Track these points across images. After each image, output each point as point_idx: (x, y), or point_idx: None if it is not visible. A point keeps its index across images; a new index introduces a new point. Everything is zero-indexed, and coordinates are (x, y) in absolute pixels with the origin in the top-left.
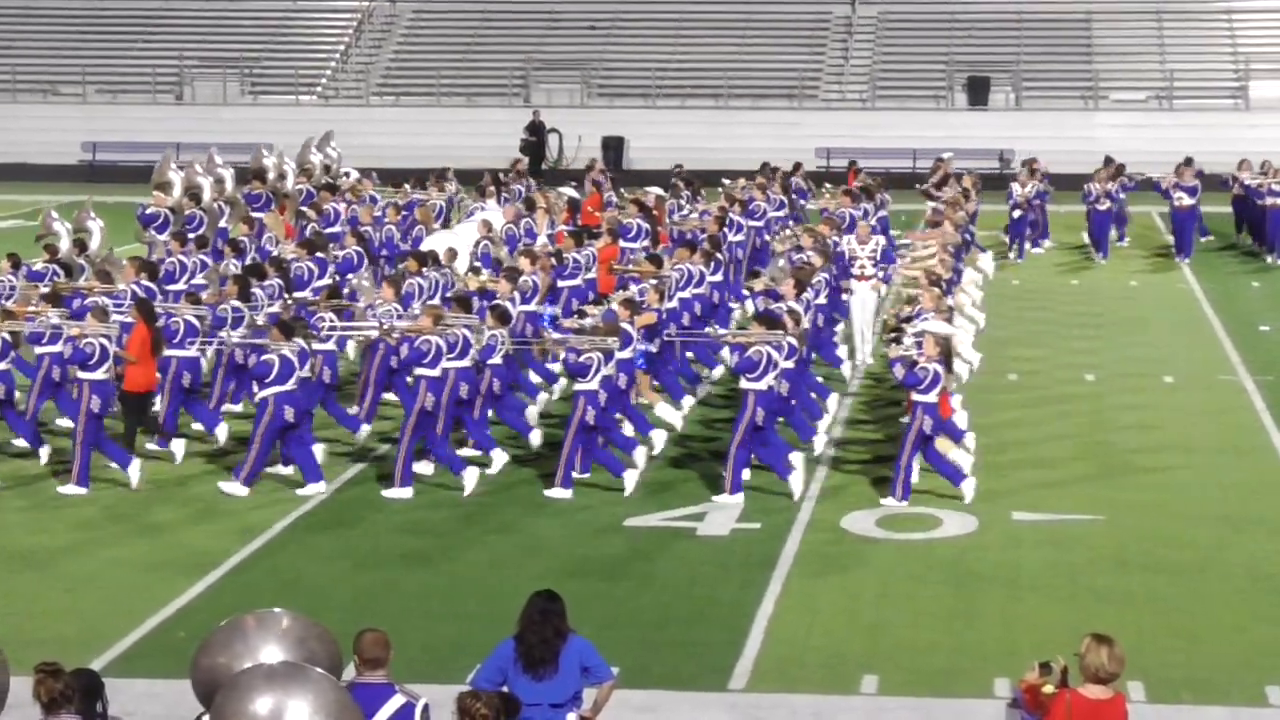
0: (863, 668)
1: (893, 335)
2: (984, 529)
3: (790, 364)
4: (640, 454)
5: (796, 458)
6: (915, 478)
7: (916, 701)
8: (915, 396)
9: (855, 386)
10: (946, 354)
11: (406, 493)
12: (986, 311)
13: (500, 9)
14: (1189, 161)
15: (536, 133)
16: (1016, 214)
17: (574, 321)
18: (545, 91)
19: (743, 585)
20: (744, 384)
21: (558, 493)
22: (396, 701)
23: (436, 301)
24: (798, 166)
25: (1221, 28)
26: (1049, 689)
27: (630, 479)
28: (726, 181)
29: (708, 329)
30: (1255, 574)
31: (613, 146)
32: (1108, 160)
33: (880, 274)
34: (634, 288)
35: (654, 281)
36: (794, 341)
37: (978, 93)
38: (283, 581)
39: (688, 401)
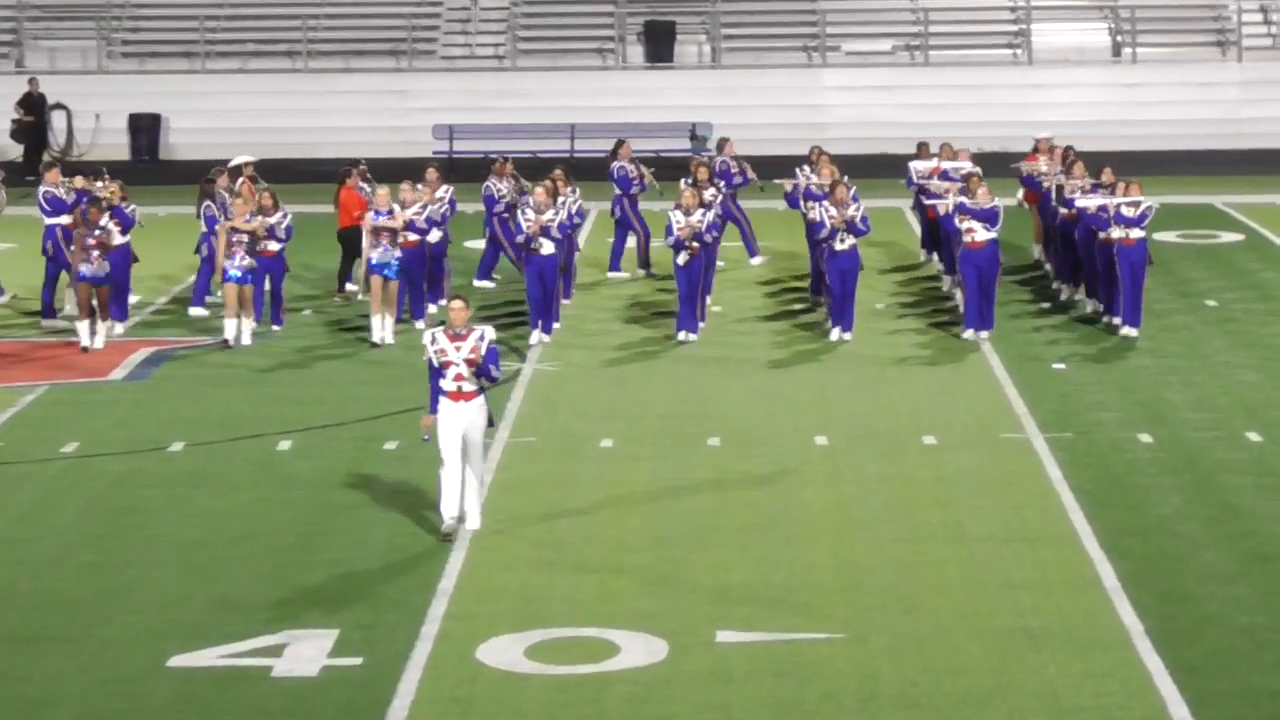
0: None
1: None
2: (678, 656)
3: None
4: None
5: None
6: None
7: None
8: None
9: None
10: None
11: None
12: None
13: None
14: (931, 152)
15: (35, 110)
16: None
17: None
18: (46, 52)
19: None
20: None
21: None
22: None
23: None
24: (722, 143)
25: None
26: None
27: None
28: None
29: None
30: (1056, 708)
31: (144, 129)
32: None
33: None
34: None
35: None
36: None
37: (660, 45)
38: None
39: None
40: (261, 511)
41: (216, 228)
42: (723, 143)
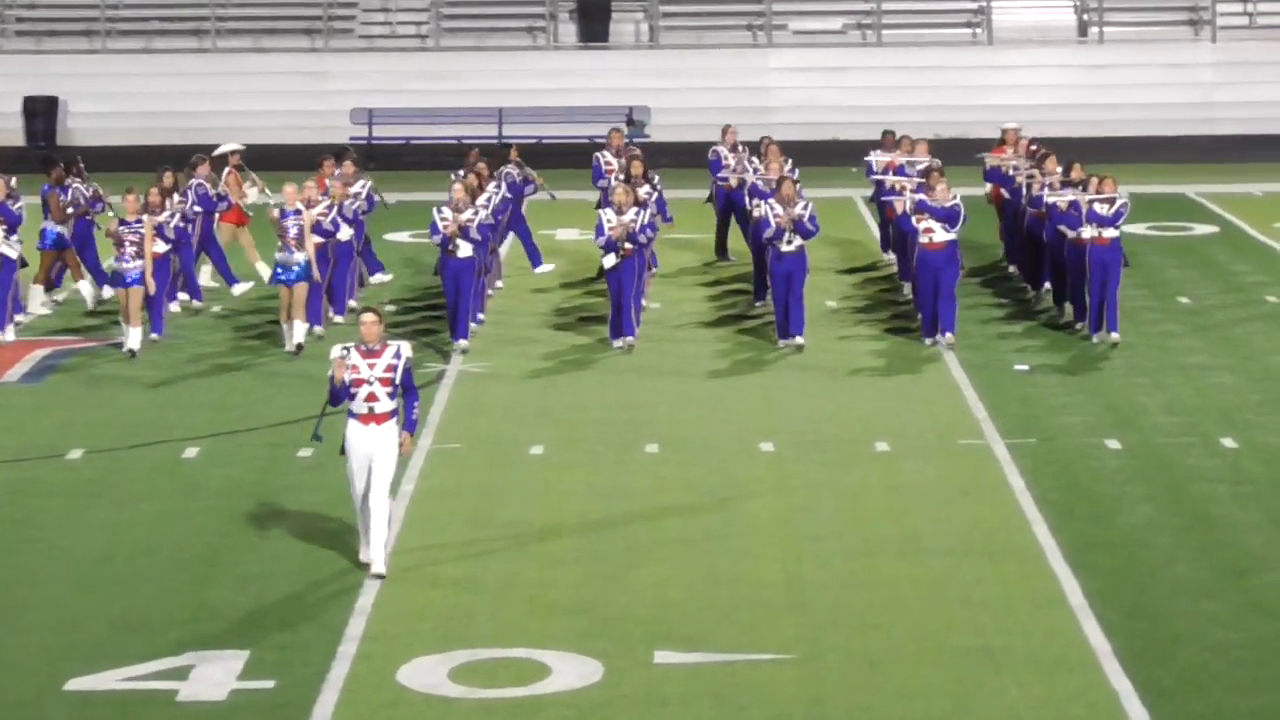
0: None
1: None
2: (614, 678)
3: None
4: None
5: None
6: None
7: None
8: None
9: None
10: None
11: None
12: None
13: None
14: (896, 141)
15: None
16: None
17: None
18: None
19: None
20: None
21: None
22: None
23: None
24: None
25: None
26: None
27: None
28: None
29: None
30: None
31: (41, 112)
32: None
33: None
34: None
35: None
36: None
37: (594, 23)
38: None
39: None
40: (166, 523)
41: (105, 232)
42: (725, 130)
